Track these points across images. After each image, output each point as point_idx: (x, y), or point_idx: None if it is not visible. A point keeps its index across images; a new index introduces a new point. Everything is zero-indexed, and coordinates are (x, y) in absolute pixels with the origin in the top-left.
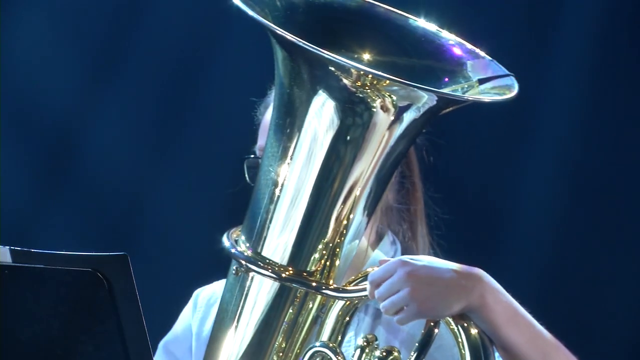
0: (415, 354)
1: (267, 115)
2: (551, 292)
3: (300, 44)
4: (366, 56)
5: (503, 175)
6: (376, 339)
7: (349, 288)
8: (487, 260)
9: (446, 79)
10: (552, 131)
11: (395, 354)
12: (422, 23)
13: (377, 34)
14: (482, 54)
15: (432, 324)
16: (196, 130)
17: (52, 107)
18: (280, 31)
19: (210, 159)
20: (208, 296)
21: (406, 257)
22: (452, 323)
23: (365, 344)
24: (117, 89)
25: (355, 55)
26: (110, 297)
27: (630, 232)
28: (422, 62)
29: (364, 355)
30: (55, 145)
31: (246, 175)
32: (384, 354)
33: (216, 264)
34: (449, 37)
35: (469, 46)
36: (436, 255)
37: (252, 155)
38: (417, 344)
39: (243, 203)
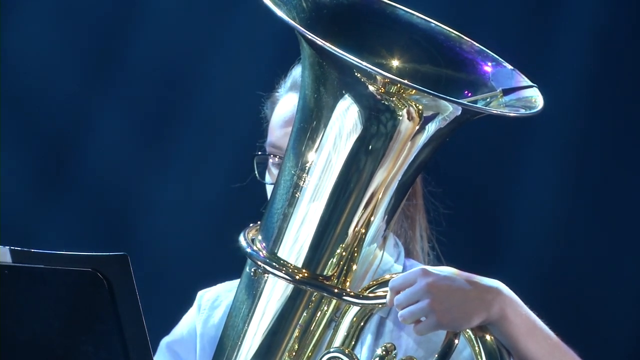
0: None
1: (277, 111)
2: (550, 287)
3: (330, 49)
4: (395, 62)
5: (503, 170)
6: (395, 349)
7: (367, 295)
8: (487, 255)
9: (468, 92)
10: (553, 127)
11: None
12: (444, 27)
13: (403, 38)
14: (505, 62)
15: (452, 335)
16: (194, 131)
17: (52, 107)
18: (310, 35)
19: (208, 158)
20: (212, 298)
21: (428, 268)
22: (471, 334)
23: (384, 353)
24: (116, 89)
25: (383, 61)
26: (110, 297)
27: (630, 231)
28: (447, 71)
29: None
30: (55, 146)
31: (255, 172)
32: None
33: (216, 264)
34: (472, 44)
35: (492, 54)
36: (436, 252)
37: (260, 152)
38: (436, 355)
39: (242, 203)
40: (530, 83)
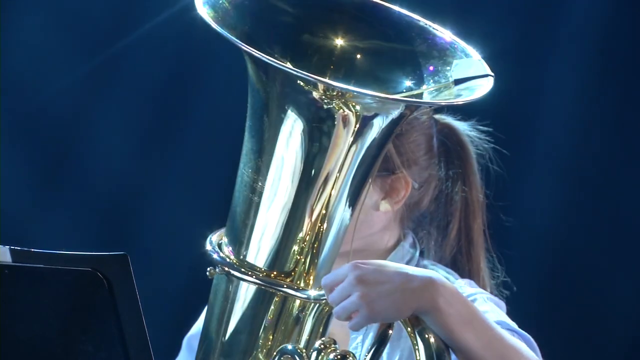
0: (369, 356)
1: None
2: (551, 290)
3: (255, 54)
4: (339, 41)
5: (501, 173)
6: (334, 342)
7: (310, 290)
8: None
9: (430, 75)
10: (551, 129)
11: (350, 358)
12: (410, 14)
13: (350, 18)
14: (472, 52)
15: (385, 326)
16: (194, 131)
17: (52, 108)
18: (235, 40)
19: (208, 159)
20: None
21: (358, 262)
22: (409, 327)
23: (322, 347)
24: (116, 91)
25: (329, 41)
26: (110, 296)
27: (629, 231)
28: (405, 48)
29: (320, 357)
30: (54, 146)
31: None
32: (338, 357)
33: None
34: (442, 32)
35: (461, 43)
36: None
37: None
38: (370, 345)
39: None
40: (488, 72)
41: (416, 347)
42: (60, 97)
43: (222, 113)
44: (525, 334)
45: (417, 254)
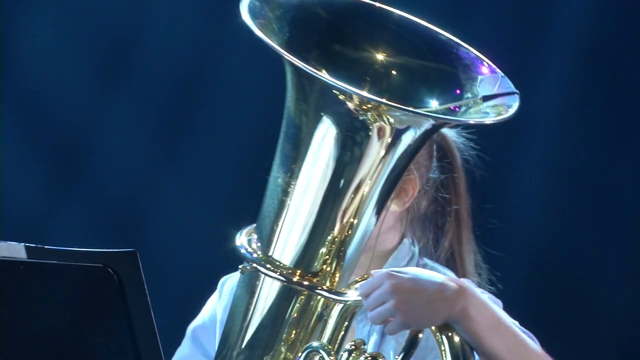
0: (400, 357)
1: None
2: (534, 289)
3: (301, 66)
4: (380, 56)
5: (494, 172)
6: (364, 344)
7: (342, 291)
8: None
9: (458, 91)
10: (543, 129)
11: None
12: (439, 30)
13: (388, 34)
14: (496, 69)
15: (416, 331)
16: (202, 132)
17: (64, 111)
18: (281, 52)
19: (215, 159)
20: (233, 284)
21: (393, 270)
22: (437, 332)
23: (353, 348)
24: (126, 93)
25: (368, 55)
26: (120, 291)
27: (619, 226)
28: (438, 66)
29: (351, 357)
30: (67, 149)
31: None
32: (369, 359)
33: (220, 261)
34: (467, 48)
35: (485, 60)
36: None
37: None
38: (402, 348)
39: (244, 203)
40: (513, 89)
41: (443, 351)
42: (75, 100)
43: (231, 114)
44: (529, 332)
45: (417, 252)
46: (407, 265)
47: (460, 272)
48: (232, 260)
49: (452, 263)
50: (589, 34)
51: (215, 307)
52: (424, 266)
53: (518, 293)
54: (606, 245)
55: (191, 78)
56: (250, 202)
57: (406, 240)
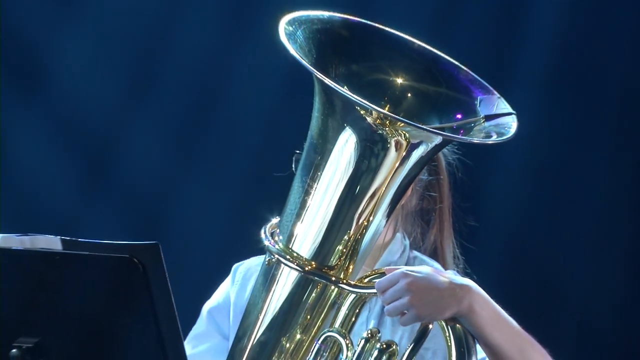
0: (411, 346)
1: None
2: (512, 279)
3: (332, 86)
4: (399, 80)
5: (472, 174)
6: (379, 332)
7: (361, 284)
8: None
9: (459, 115)
10: (518, 135)
11: (394, 347)
12: (442, 54)
13: (405, 60)
14: (492, 90)
15: (427, 323)
16: (219, 135)
17: (96, 118)
18: (314, 71)
19: (229, 162)
20: (244, 270)
21: (408, 269)
22: (443, 322)
23: (369, 336)
24: (151, 102)
25: (390, 78)
26: (144, 279)
27: (582, 223)
28: (446, 92)
29: (367, 345)
30: (98, 151)
31: (293, 167)
32: (384, 346)
33: (232, 252)
34: (467, 72)
35: (483, 82)
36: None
37: (298, 151)
38: (413, 338)
39: (256, 201)
40: (510, 110)
41: (448, 337)
42: (105, 108)
43: (245, 121)
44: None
45: (408, 245)
46: (400, 257)
47: (441, 263)
48: (244, 252)
49: (435, 255)
50: (561, 35)
51: (229, 291)
52: (415, 258)
53: (492, 282)
54: (569, 239)
55: (209, 88)
56: (262, 199)
57: (399, 235)
